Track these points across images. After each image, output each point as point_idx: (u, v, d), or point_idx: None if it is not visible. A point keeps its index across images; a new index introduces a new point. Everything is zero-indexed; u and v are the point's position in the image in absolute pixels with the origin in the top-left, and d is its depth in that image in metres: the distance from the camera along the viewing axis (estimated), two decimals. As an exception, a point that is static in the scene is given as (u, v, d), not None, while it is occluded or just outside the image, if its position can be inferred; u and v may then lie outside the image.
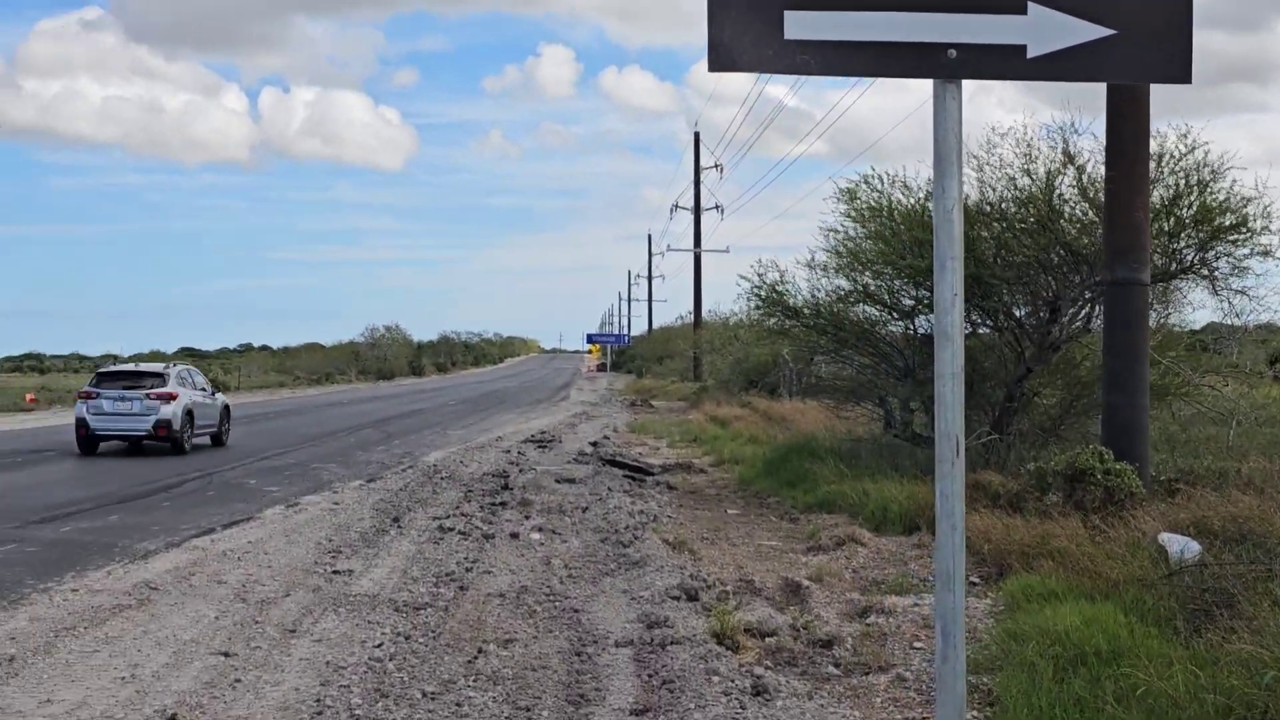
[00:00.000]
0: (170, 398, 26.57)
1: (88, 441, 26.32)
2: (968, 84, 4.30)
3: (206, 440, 28.63)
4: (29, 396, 52.54)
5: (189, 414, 27.17)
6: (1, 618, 10.01)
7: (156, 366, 29.47)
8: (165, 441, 26.50)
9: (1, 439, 31.19)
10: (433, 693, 7.71)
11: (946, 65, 4.19)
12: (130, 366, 30.44)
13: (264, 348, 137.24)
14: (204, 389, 29.26)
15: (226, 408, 30.28)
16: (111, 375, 28.06)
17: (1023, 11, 4.16)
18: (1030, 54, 4.17)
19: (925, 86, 4.34)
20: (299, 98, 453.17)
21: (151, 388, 26.67)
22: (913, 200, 17.99)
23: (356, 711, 7.33)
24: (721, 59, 4.19)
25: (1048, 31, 4.15)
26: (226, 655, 8.67)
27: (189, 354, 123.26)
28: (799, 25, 4.18)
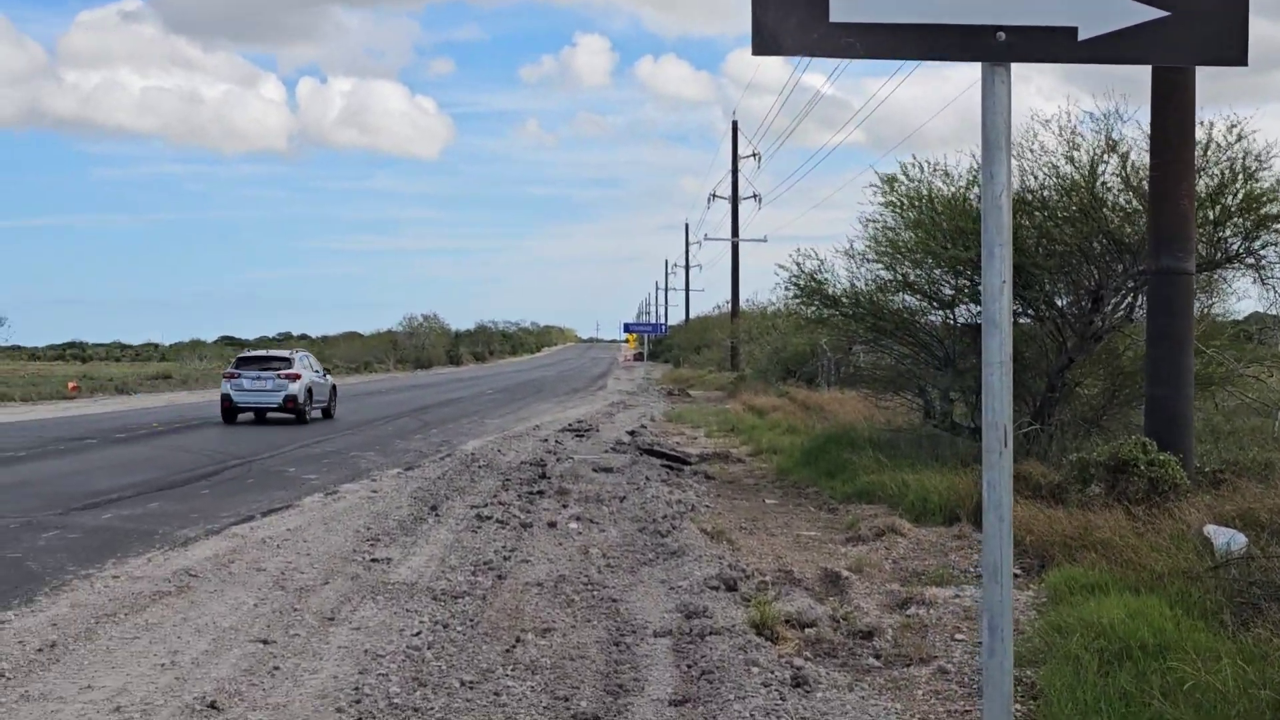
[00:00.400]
0: (295, 377, 32.68)
1: (230, 413, 32.53)
2: (1017, 67, 4.22)
3: (319, 414, 34.06)
4: (71, 384, 52.98)
5: (309, 391, 33.18)
6: (44, 604, 10.08)
7: (284, 351, 35.44)
8: (291, 413, 32.47)
9: (44, 426, 31.45)
10: (471, 681, 7.70)
11: (995, 48, 4.12)
12: (263, 352, 36.08)
13: (303, 336, 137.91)
14: (318, 371, 34.98)
15: (334, 387, 35.98)
16: (249, 359, 34.01)
17: (1073, -8, 4.08)
18: (1082, 36, 4.09)
19: (968, 74, 4.28)
20: (336, 88, 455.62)
21: (281, 369, 32.70)
22: (953, 189, 17.86)
23: (395, 700, 7.32)
24: (766, 42, 4.12)
25: (1099, 13, 4.07)
26: (265, 643, 8.68)
27: (229, 342, 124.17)
28: (845, 8, 4.11)
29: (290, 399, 32.37)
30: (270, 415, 33.08)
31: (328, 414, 34.56)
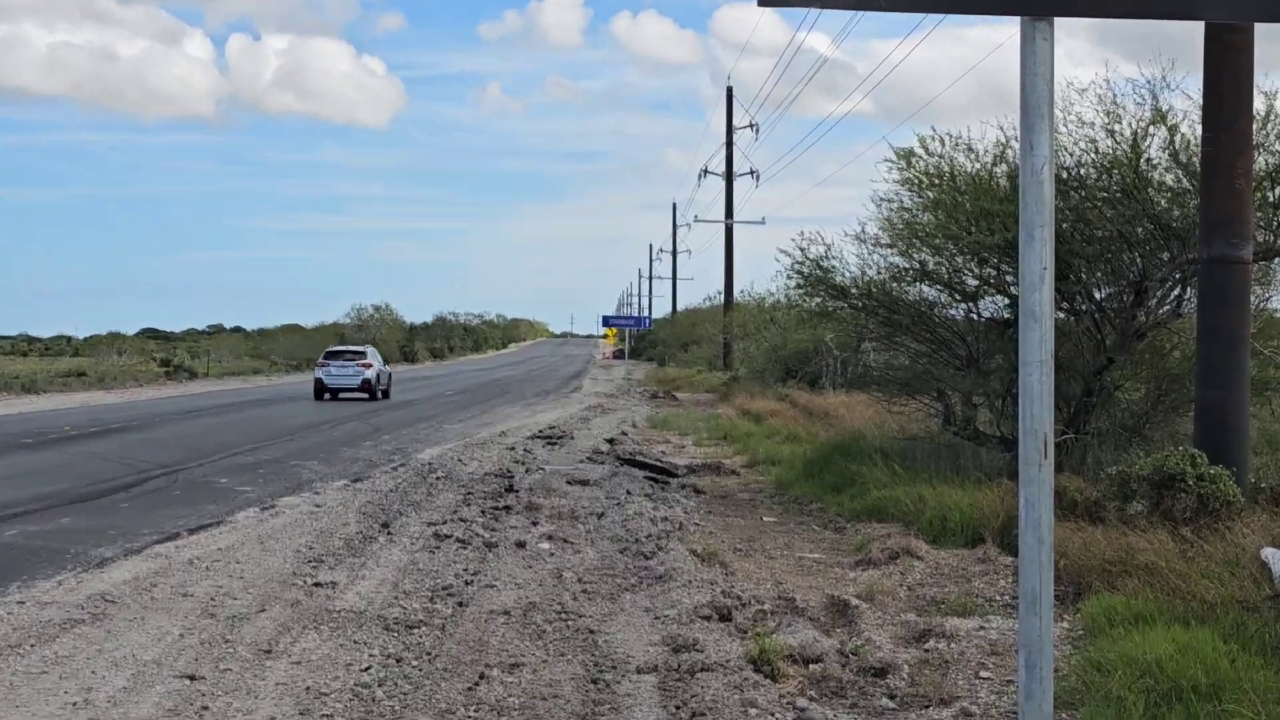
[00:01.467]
0: (368, 366, 49.11)
1: (320, 392, 48.78)
2: (1060, 22, 4.17)
3: (381, 395, 49.15)
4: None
5: (378, 376, 49.35)
6: (-63, 633, 9.97)
7: (360, 347, 54.48)
8: (365, 393, 48.08)
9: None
10: (428, 724, 7.63)
11: (1036, 0, 4.07)
12: (345, 347, 55.38)
13: (236, 329, 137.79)
14: (382, 362, 52.03)
15: (390, 374, 52.78)
16: (335, 353, 52.05)
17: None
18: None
19: (987, 35, 4.23)
20: (271, 46, 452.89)
21: (358, 360, 49.55)
22: (978, 165, 17.84)
23: (341, 745, 7.26)
24: (772, -10, 4.08)
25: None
26: (193, 679, 8.59)
27: (152, 335, 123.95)
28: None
29: (365, 382, 48.41)
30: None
31: (386, 395, 49.61)
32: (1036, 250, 4.08)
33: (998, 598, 11.02)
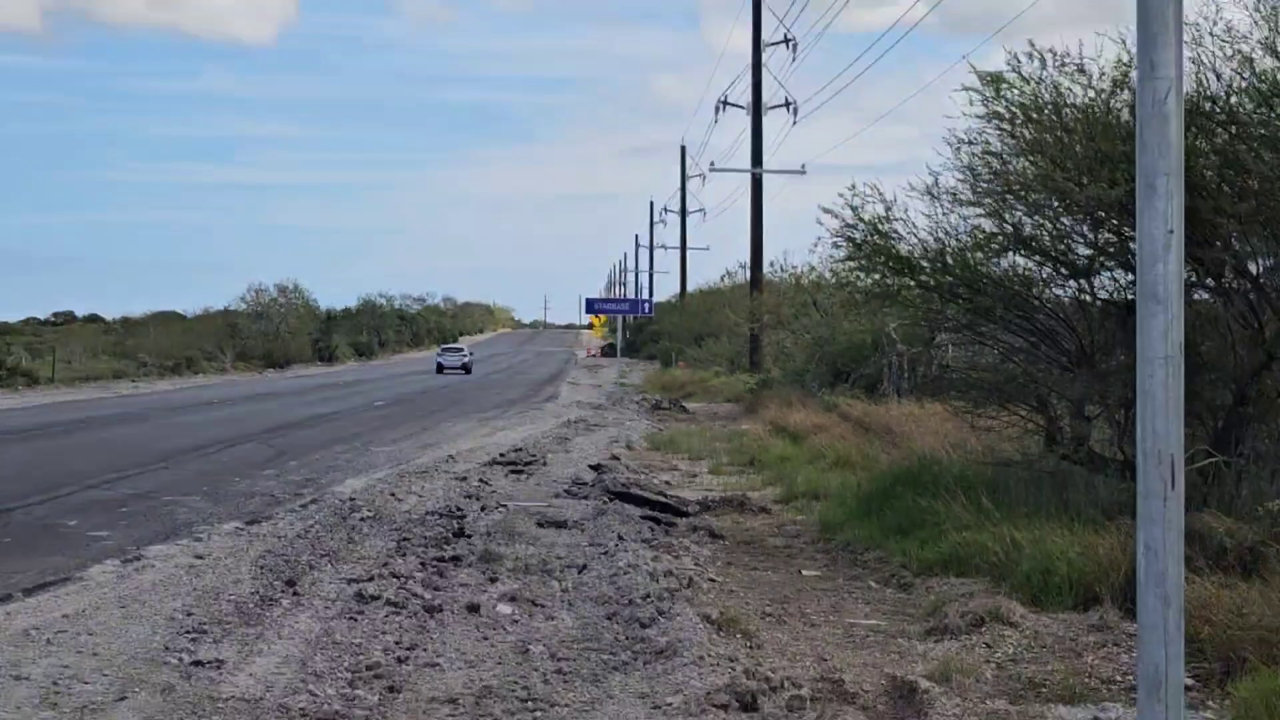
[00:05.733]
0: (467, 355, 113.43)
1: (439, 370, 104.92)
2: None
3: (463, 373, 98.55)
4: None
5: (472, 360, 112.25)
6: None
7: (462, 344, 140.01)
8: (465, 371, 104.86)
9: None
10: None
11: None
12: (453, 344, 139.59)
13: (93, 319, 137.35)
14: (473, 351, 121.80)
15: (473, 356, 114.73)
16: (447, 349, 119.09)
17: None
18: None
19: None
20: None
21: (462, 351, 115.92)
22: (1093, 93, 17.80)
23: None
24: None
25: None
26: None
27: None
28: None
29: (466, 365, 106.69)
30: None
31: (468, 370, 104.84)
32: (1160, 207, 4.06)
33: (1118, 678, 11.01)
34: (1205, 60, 16.88)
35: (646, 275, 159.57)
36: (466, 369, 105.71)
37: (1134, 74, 17.46)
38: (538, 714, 10.28)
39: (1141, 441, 4.10)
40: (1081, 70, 18.04)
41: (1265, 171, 16.34)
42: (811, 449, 28.88)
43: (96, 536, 19.24)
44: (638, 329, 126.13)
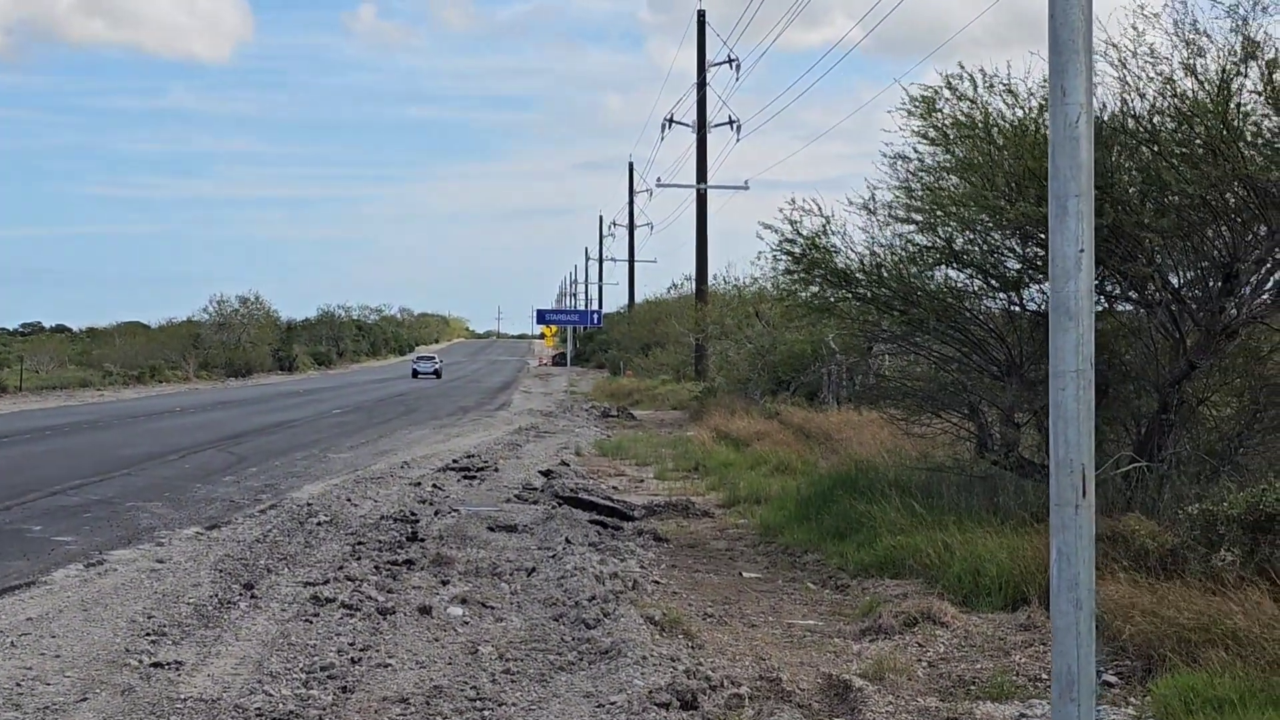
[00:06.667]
0: (437, 362, 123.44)
1: (414, 375, 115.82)
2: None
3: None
4: None
5: (442, 366, 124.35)
6: None
7: (434, 352, 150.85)
8: (436, 376, 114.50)
9: None
10: None
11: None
12: (426, 352, 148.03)
13: (59, 329, 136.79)
14: (441, 360, 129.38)
15: (442, 363, 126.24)
16: (421, 357, 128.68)
17: None
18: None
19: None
20: None
21: (434, 359, 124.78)
22: (1022, 113, 17.86)
23: None
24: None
25: None
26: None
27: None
28: None
29: (438, 370, 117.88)
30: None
31: (439, 375, 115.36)
32: (1071, 227, 4.10)
33: (1044, 676, 11.03)
34: (1130, 81, 16.97)
35: (596, 287, 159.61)
36: (438, 374, 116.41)
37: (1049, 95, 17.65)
38: (486, 713, 10.28)
39: (1054, 452, 4.14)
40: (1010, 90, 18.12)
41: (1185, 188, 16.41)
42: (753, 455, 28.90)
43: (60, 541, 19.14)
44: (588, 339, 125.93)
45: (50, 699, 10.65)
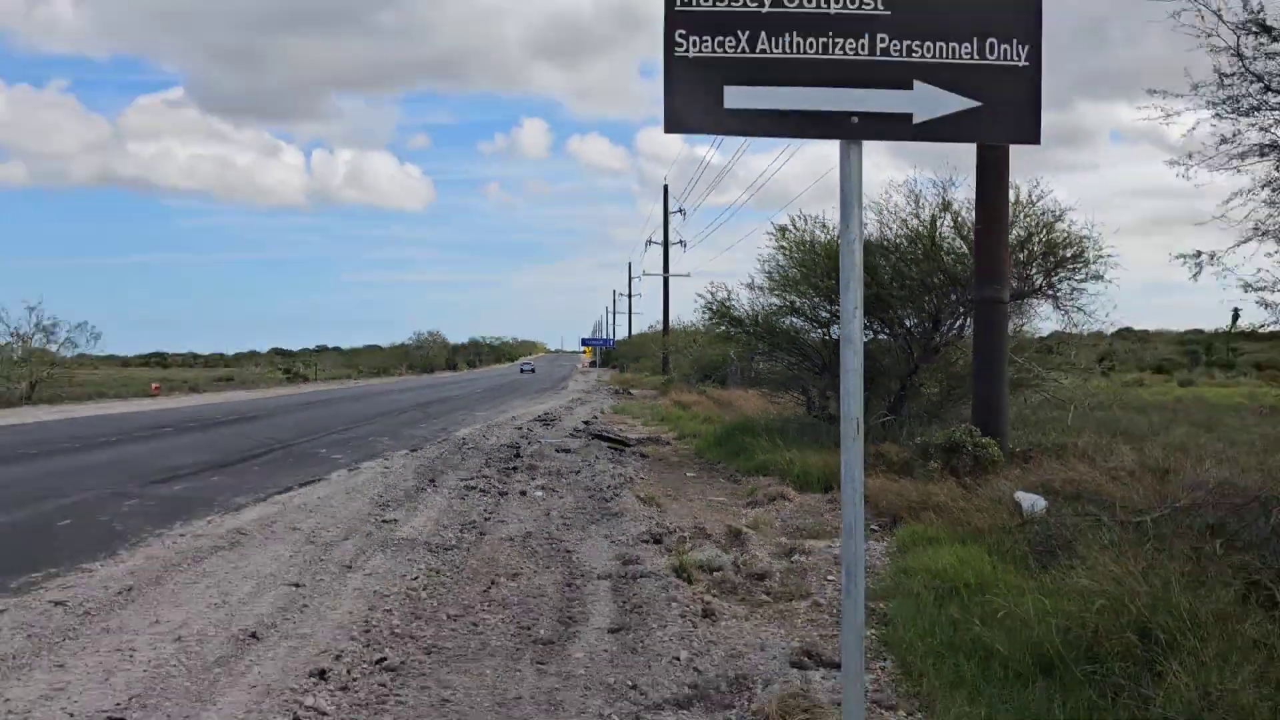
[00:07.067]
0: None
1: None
2: (867, 144, 4.20)
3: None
4: (154, 386, 52.14)
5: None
6: (124, 556, 9.86)
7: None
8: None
9: (129, 419, 30.91)
10: (455, 615, 7.59)
11: (850, 129, 4.10)
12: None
13: (335, 348, 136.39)
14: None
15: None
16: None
17: (909, 87, 4.07)
18: (915, 120, 4.08)
19: (833, 147, 4.24)
20: (340, 157, 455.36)
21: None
22: (829, 237, 17.88)
23: (396, 630, 7.20)
24: (675, 123, 4.08)
25: (929, 103, 4.06)
26: (297, 586, 8.52)
27: (278, 353, 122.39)
28: (736, 97, 4.08)
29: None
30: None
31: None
32: (850, 295, 4.09)
33: (840, 527, 11.01)
34: (885, 221, 17.01)
35: (612, 326, 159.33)
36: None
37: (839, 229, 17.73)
38: (553, 545, 10.24)
39: (843, 411, 4.12)
40: (824, 225, 18.16)
41: (912, 276, 16.46)
42: (692, 413, 28.82)
43: (334, 458, 19.08)
44: (607, 353, 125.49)
45: (330, 538, 10.63)
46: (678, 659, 6.53)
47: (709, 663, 6.47)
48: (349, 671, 6.32)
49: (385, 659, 6.53)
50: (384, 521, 11.64)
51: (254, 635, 7.04)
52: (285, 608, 7.81)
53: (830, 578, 8.69)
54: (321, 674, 6.24)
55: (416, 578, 8.80)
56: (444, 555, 9.77)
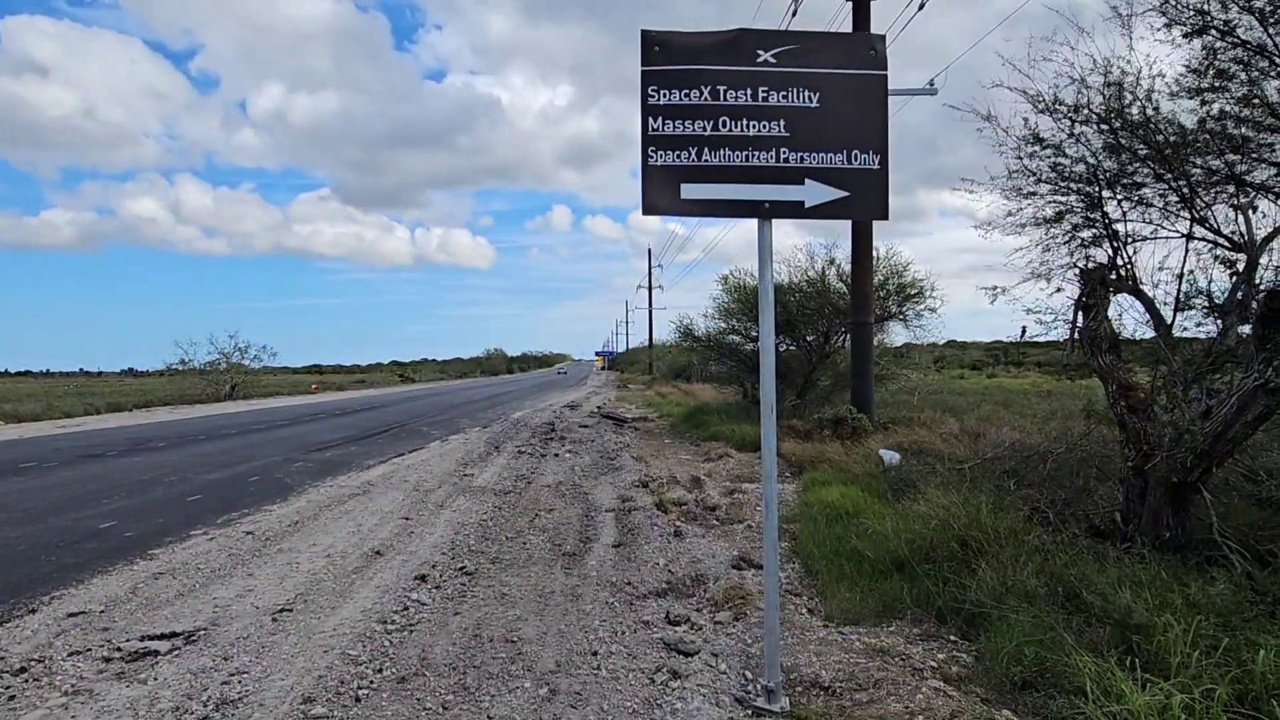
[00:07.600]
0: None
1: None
2: (776, 221, 4.18)
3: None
4: (313, 386, 51.85)
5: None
6: (293, 500, 9.77)
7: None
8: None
9: (296, 409, 30.73)
10: (510, 537, 7.54)
11: (764, 211, 4.09)
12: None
13: (433, 360, 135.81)
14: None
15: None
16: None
17: (802, 183, 4.06)
18: (807, 205, 4.08)
19: (754, 224, 4.23)
20: (434, 233, 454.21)
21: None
22: (753, 282, 17.83)
23: (472, 547, 7.15)
24: (649, 208, 4.07)
25: (815, 193, 4.06)
26: (406, 519, 8.46)
27: (396, 364, 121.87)
28: (690, 190, 4.07)
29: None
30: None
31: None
32: (766, 320, 4.07)
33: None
34: (792, 270, 16.93)
35: (616, 342, 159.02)
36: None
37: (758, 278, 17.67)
38: (576, 489, 10.17)
39: (762, 398, 4.09)
40: (753, 275, 18.06)
41: (810, 307, 16.39)
42: (670, 400, 28.65)
43: (433, 433, 18.90)
44: (613, 361, 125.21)
45: (428, 487, 10.53)
46: (658, 564, 6.50)
47: (679, 566, 6.43)
48: (440, 575, 6.27)
49: (464, 566, 6.49)
50: (464, 475, 11.57)
51: (378, 553, 6.99)
52: (399, 534, 7.76)
53: (758, 508, 8.65)
54: (423, 578, 6.20)
55: (486, 513, 8.75)
56: (504, 497, 9.71)
